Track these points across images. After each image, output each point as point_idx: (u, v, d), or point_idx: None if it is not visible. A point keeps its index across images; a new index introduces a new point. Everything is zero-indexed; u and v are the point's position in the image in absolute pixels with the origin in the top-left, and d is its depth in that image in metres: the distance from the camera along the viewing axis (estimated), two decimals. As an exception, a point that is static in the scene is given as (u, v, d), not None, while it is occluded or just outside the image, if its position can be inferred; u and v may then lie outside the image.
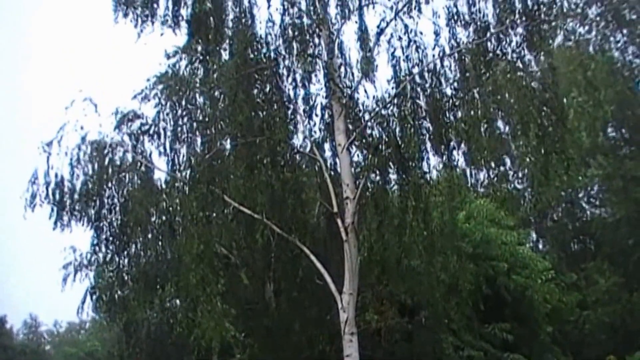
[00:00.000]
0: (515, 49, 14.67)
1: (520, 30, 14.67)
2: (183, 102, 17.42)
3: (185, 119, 17.47)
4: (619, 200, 26.33)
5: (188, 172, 15.91)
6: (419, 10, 14.74)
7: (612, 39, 26.43)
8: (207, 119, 16.04)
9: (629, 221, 26.31)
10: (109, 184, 19.60)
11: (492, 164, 15.13)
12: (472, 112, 14.69)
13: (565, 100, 16.26)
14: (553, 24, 15.24)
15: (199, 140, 16.67)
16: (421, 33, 14.87)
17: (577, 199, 30.18)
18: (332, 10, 15.19)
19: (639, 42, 26.14)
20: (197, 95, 16.94)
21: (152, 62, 19.70)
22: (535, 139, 14.23)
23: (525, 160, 16.19)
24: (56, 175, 19.00)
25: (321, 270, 14.41)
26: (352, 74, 15.10)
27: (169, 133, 18.34)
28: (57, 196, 19.03)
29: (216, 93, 15.57)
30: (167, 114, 18.43)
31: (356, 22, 14.96)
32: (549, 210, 29.24)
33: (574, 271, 27.12)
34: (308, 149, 15.74)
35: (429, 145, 15.09)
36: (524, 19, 14.55)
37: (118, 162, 19.61)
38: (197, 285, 13.88)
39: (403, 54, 14.82)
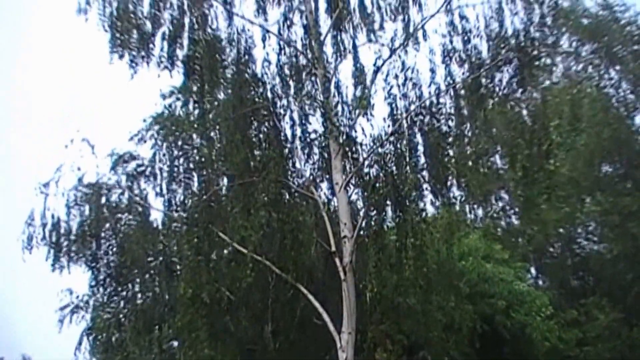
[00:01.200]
0: (508, 85, 14.82)
1: (513, 65, 14.83)
2: (179, 143, 17.47)
3: (182, 160, 17.51)
4: (617, 236, 26.26)
5: (184, 212, 15.89)
6: (417, 45, 14.90)
7: (606, 75, 26.62)
8: (203, 160, 16.05)
9: (627, 257, 26.25)
10: (106, 225, 19.54)
11: (490, 199, 15.19)
12: (467, 148, 14.77)
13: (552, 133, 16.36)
14: (546, 60, 15.41)
15: (195, 180, 16.68)
16: (417, 70, 15.01)
17: (576, 235, 30.11)
18: (328, 49, 15.36)
19: (632, 78, 26.29)
20: (194, 136, 16.97)
21: (148, 101, 19.76)
22: (521, 171, 14.35)
23: (516, 195, 16.28)
24: (53, 217, 18.95)
25: (320, 309, 14.34)
26: (349, 112, 15.18)
27: (165, 174, 18.35)
28: (54, 238, 18.96)
29: (212, 133, 15.61)
30: (164, 155, 18.45)
31: (352, 59, 15.14)
32: (547, 246, 29.15)
33: (573, 307, 26.97)
34: (305, 188, 15.74)
35: (425, 182, 15.15)
36: (516, 55, 14.71)
37: (114, 203, 19.57)
38: (183, 329, 13.83)
39: (399, 91, 14.93)
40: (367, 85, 14.90)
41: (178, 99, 18.74)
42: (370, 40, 15.28)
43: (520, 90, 14.78)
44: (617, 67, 26.54)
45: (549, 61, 16.29)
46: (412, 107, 14.90)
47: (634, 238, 25.15)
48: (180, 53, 15.22)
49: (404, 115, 14.83)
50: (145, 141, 19.39)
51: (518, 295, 22.79)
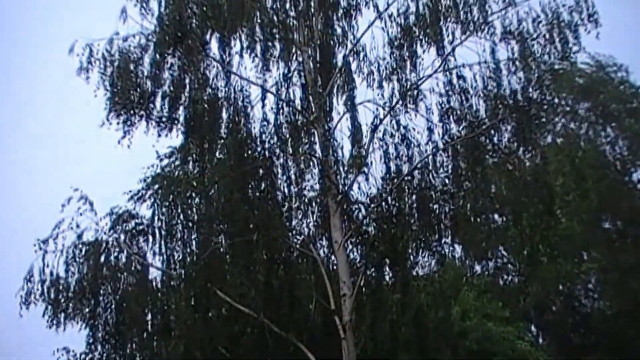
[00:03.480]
0: (507, 143, 14.95)
1: (511, 124, 14.98)
2: (178, 201, 17.49)
3: (181, 217, 17.52)
4: (616, 292, 26.21)
5: (183, 270, 15.89)
6: (415, 106, 15.07)
7: (602, 133, 26.88)
8: (202, 218, 16.08)
9: (627, 313, 26.15)
10: (104, 283, 19.46)
11: (489, 256, 15.22)
12: (466, 206, 14.83)
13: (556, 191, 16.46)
14: (544, 119, 15.58)
15: (194, 238, 16.68)
16: (414, 129, 15.17)
17: (576, 292, 30.02)
18: (327, 107, 15.50)
19: (628, 135, 26.53)
20: (193, 195, 17.01)
21: (146, 158, 19.88)
22: (527, 229, 14.40)
23: (518, 253, 16.30)
24: (51, 274, 18.88)
25: (319, 368, 14.25)
26: (346, 171, 15.27)
27: (164, 232, 18.35)
28: (52, 294, 18.88)
29: (211, 191, 15.67)
30: (163, 214, 18.48)
31: (348, 119, 15.29)
32: (548, 303, 29.03)
33: (575, 365, 26.81)
34: (304, 246, 15.74)
35: (423, 241, 15.18)
36: (514, 114, 14.87)
37: (113, 262, 19.51)
38: None
39: (396, 150, 15.07)
40: (362, 145, 15.02)
41: (177, 158, 18.83)
42: (368, 100, 15.42)
43: (520, 149, 14.91)
44: (613, 124, 26.82)
45: (547, 119, 16.48)
46: (410, 165, 15.03)
47: (634, 294, 25.10)
48: (180, 112, 15.39)
49: (402, 174, 14.94)
50: (144, 200, 19.45)
51: (521, 354, 22.68)
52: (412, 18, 15.31)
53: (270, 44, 15.48)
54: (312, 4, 16.00)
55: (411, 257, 15.34)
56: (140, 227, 19.18)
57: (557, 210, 15.36)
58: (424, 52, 15.18)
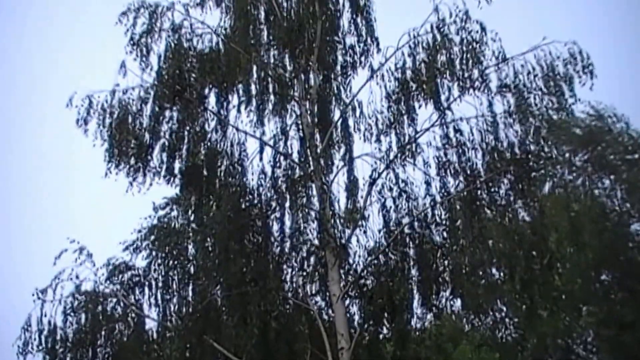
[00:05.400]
0: (504, 196, 14.97)
1: (509, 177, 15.01)
2: (175, 252, 17.49)
3: (177, 269, 17.49)
4: (612, 347, 25.99)
5: (179, 321, 15.81)
6: (413, 159, 15.13)
7: (599, 184, 26.87)
8: (198, 270, 16.05)
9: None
10: (102, 334, 19.36)
11: (487, 310, 15.15)
12: (464, 259, 14.80)
13: (552, 245, 16.42)
14: (541, 171, 15.62)
15: (190, 290, 16.63)
16: (412, 183, 15.21)
17: (574, 347, 29.79)
18: (324, 161, 15.58)
19: (626, 187, 26.53)
20: (190, 247, 17.01)
21: (143, 208, 19.93)
22: (519, 283, 14.36)
23: (515, 306, 16.23)
24: (49, 323, 18.80)
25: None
26: (343, 225, 15.29)
27: (160, 283, 18.32)
28: (50, 344, 18.77)
29: (207, 243, 15.66)
30: (159, 265, 18.46)
31: (344, 173, 15.36)
32: (546, 358, 28.79)
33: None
34: (301, 298, 15.68)
35: (420, 294, 15.12)
36: (512, 167, 14.92)
37: (110, 312, 19.43)
38: None
39: (394, 204, 15.10)
40: (358, 200, 15.07)
41: (173, 209, 18.88)
42: (366, 154, 15.50)
43: (517, 202, 14.93)
44: (612, 177, 26.82)
45: (545, 172, 16.53)
46: (407, 219, 15.05)
47: (629, 349, 24.87)
48: (177, 164, 15.46)
49: (399, 227, 14.96)
50: (140, 251, 19.46)
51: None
52: (408, 73, 15.44)
53: (265, 98, 15.67)
54: (310, 60, 16.19)
55: (409, 310, 15.25)
56: (136, 278, 19.19)
57: (556, 265, 15.26)
58: (419, 107, 15.32)
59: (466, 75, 15.03)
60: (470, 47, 15.06)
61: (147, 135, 15.46)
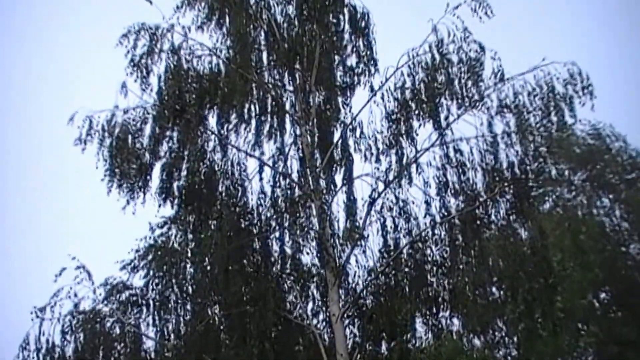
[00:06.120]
0: (504, 216, 14.96)
1: (508, 197, 15.01)
2: (172, 272, 17.46)
3: (175, 288, 17.46)
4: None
5: (177, 341, 15.77)
6: (410, 182, 15.13)
7: (598, 203, 26.90)
8: (196, 289, 16.02)
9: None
10: (100, 353, 19.29)
11: (488, 330, 15.12)
12: (464, 279, 14.78)
13: (555, 264, 16.40)
14: (541, 190, 15.61)
15: (188, 309, 16.60)
16: (413, 203, 15.21)
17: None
18: (325, 181, 15.59)
19: (623, 207, 26.56)
20: (188, 266, 16.98)
21: (144, 225, 19.93)
22: (523, 304, 14.32)
23: (517, 326, 16.19)
24: (47, 342, 18.73)
25: None
26: (341, 245, 15.27)
27: (157, 303, 18.28)
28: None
29: (205, 263, 15.64)
30: (157, 285, 18.44)
31: (344, 193, 15.36)
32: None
33: None
34: (300, 318, 15.64)
35: (420, 314, 15.08)
36: (512, 187, 14.92)
37: (108, 331, 19.38)
38: None
39: (394, 224, 15.08)
40: (357, 220, 15.06)
41: (170, 228, 18.86)
42: (366, 174, 15.51)
43: (517, 221, 14.93)
44: (611, 196, 26.86)
45: (545, 192, 16.56)
46: (407, 239, 15.04)
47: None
48: (177, 184, 15.45)
49: (399, 247, 14.95)
50: (137, 271, 19.45)
51: None
52: (408, 93, 15.47)
53: (263, 118, 15.72)
54: (310, 81, 16.23)
55: (409, 330, 15.20)
56: (134, 298, 19.14)
57: (558, 284, 15.25)
58: (419, 126, 15.34)
59: (465, 94, 15.07)
60: (469, 66, 15.10)
61: (147, 155, 15.49)
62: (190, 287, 16.72)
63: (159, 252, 18.75)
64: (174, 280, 17.53)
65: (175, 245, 17.87)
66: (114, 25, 16.47)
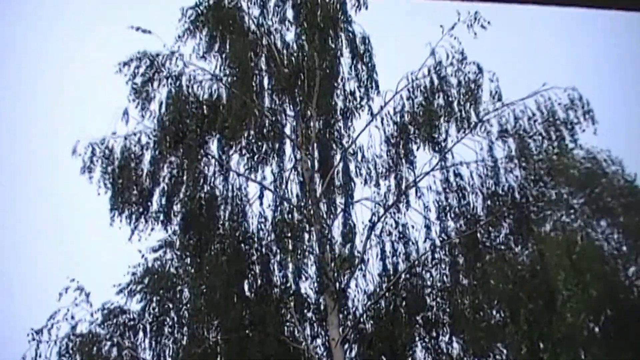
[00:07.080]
0: (504, 239, 14.98)
1: (508, 221, 15.04)
2: (169, 296, 17.41)
3: (172, 313, 17.41)
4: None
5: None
6: (408, 206, 15.15)
7: (597, 227, 26.87)
8: (194, 313, 15.97)
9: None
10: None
11: (487, 353, 15.09)
12: (464, 302, 14.77)
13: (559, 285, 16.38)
14: (541, 214, 15.64)
15: (185, 333, 16.55)
16: (413, 227, 15.21)
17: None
18: (326, 205, 15.60)
19: (622, 230, 26.53)
20: (186, 290, 16.95)
21: (139, 252, 19.91)
22: (525, 325, 14.31)
23: (518, 349, 16.14)
24: (44, 364, 18.64)
25: None
26: (341, 269, 15.24)
27: (154, 327, 18.22)
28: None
29: (203, 287, 15.60)
30: (153, 309, 18.38)
31: (343, 218, 15.38)
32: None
33: None
34: (300, 343, 15.58)
35: (420, 338, 15.05)
36: (512, 210, 14.94)
37: (105, 355, 19.28)
38: None
39: (393, 248, 15.08)
40: (354, 245, 15.07)
41: (166, 252, 18.83)
42: (366, 198, 15.52)
43: (517, 245, 14.95)
44: (608, 220, 26.85)
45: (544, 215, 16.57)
46: (407, 262, 15.03)
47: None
48: (177, 209, 15.44)
49: (399, 271, 14.95)
50: (134, 295, 19.36)
51: None
52: (407, 116, 15.52)
53: (261, 144, 15.75)
54: (310, 105, 16.27)
55: (409, 354, 15.16)
56: (131, 322, 19.05)
57: (559, 306, 15.26)
58: (417, 149, 15.38)
59: (464, 116, 15.12)
60: (467, 88, 15.16)
61: (147, 181, 15.48)
62: (187, 312, 16.68)
63: (155, 276, 18.69)
64: (170, 305, 17.50)
65: (172, 269, 17.87)
66: (113, 53, 16.56)
